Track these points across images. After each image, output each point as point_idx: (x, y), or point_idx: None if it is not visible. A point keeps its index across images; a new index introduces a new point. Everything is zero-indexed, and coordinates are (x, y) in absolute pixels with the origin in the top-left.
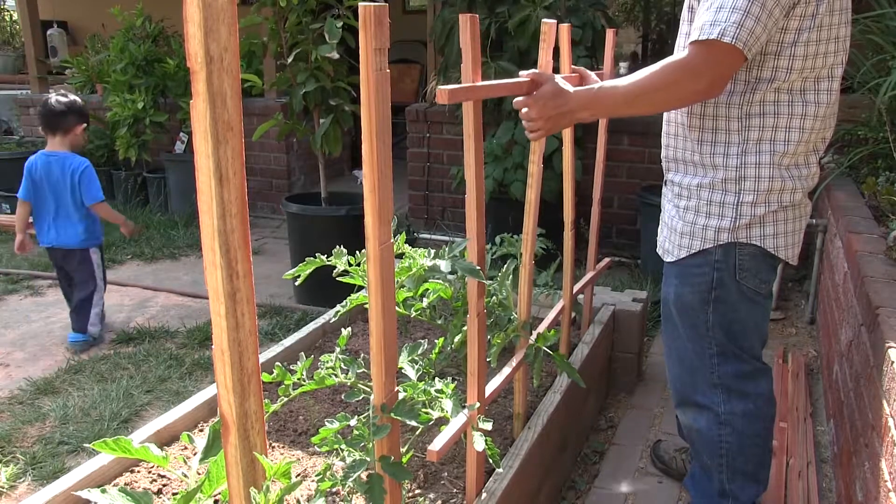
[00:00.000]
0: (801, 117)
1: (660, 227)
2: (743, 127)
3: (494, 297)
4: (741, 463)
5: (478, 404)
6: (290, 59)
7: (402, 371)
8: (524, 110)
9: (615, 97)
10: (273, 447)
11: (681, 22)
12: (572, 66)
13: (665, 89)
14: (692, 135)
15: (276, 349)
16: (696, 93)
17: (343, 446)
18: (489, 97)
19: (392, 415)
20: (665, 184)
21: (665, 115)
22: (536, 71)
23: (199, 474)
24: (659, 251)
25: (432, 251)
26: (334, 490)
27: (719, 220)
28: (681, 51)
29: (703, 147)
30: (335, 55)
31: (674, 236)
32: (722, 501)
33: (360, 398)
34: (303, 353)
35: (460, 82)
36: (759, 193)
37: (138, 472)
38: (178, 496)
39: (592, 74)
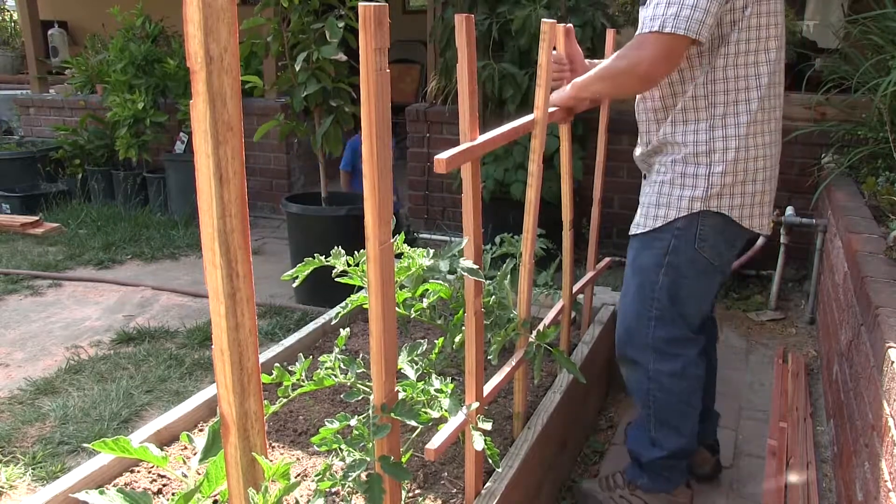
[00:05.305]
0: (756, 88)
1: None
2: (709, 104)
3: (494, 297)
4: (666, 416)
5: (476, 404)
6: (297, 61)
7: (402, 371)
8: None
9: (587, 79)
10: (273, 447)
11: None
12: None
13: (615, 77)
14: (666, 118)
15: (275, 349)
16: (637, 77)
17: (343, 446)
18: (486, 152)
19: (392, 415)
20: (644, 177)
21: (637, 114)
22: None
23: (199, 474)
24: (631, 231)
25: (431, 251)
26: (334, 490)
27: (693, 191)
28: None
29: (676, 127)
30: (342, 57)
31: (648, 209)
32: (650, 448)
33: (360, 398)
34: (301, 354)
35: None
36: (727, 163)
37: (138, 472)
38: (177, 496)
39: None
